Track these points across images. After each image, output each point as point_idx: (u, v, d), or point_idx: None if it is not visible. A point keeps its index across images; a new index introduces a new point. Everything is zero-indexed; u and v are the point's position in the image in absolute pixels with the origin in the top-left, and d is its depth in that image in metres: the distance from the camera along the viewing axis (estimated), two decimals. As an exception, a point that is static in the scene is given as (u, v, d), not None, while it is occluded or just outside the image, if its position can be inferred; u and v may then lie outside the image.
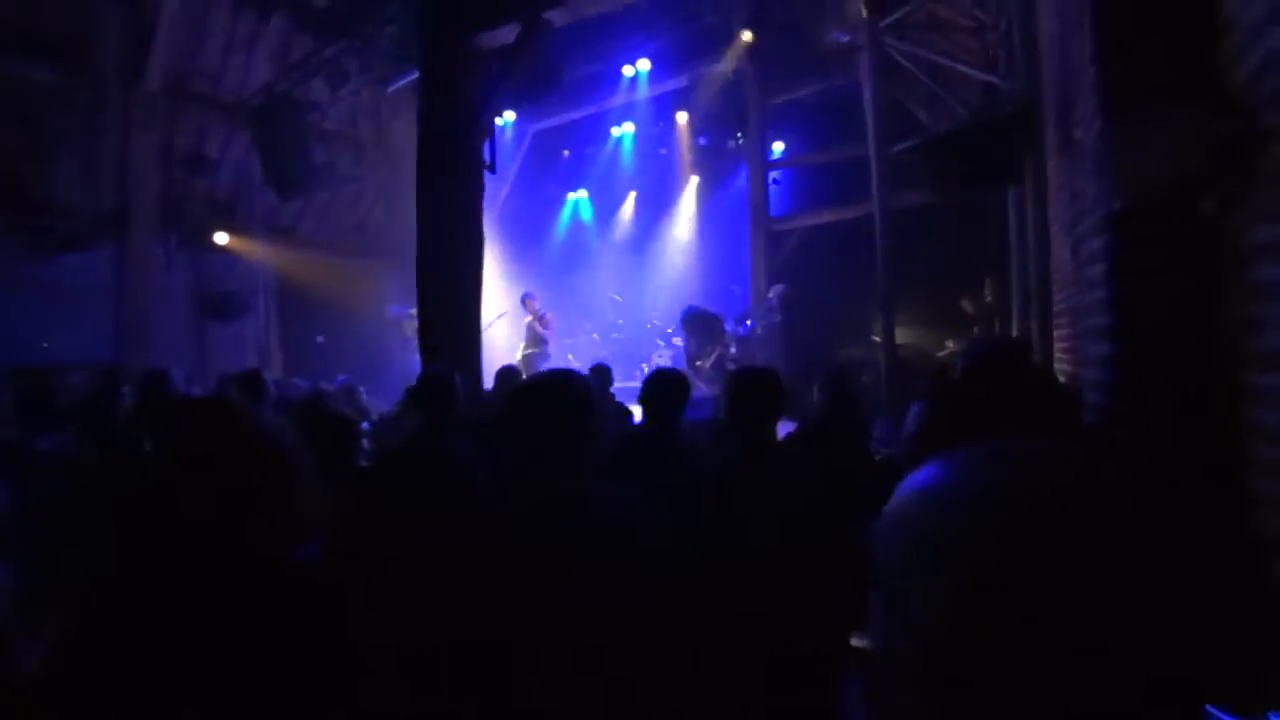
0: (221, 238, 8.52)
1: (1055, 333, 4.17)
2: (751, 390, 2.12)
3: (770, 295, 7.12)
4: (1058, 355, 3.96)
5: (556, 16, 4.36)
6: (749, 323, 7.41)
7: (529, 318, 8.42)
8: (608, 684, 1.22)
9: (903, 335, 6.12)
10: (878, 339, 6.02)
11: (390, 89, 8.40)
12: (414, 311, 7.19)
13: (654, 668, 1.27)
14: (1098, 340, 2.56)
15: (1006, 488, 0.43)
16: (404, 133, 9.46)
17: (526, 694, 1.21)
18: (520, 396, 1.43)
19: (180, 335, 8.09)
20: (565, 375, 1.46)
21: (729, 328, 7.19)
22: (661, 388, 2.44)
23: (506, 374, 4.31)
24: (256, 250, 8.77)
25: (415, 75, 7.48)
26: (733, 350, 7.21)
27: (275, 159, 6.91)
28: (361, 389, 5.57)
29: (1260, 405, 1.59)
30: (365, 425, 4.00)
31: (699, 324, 7.12)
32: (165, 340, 7.61)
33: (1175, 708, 0.41)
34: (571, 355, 8.99)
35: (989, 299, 6.75)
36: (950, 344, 6.85)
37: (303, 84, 7.66)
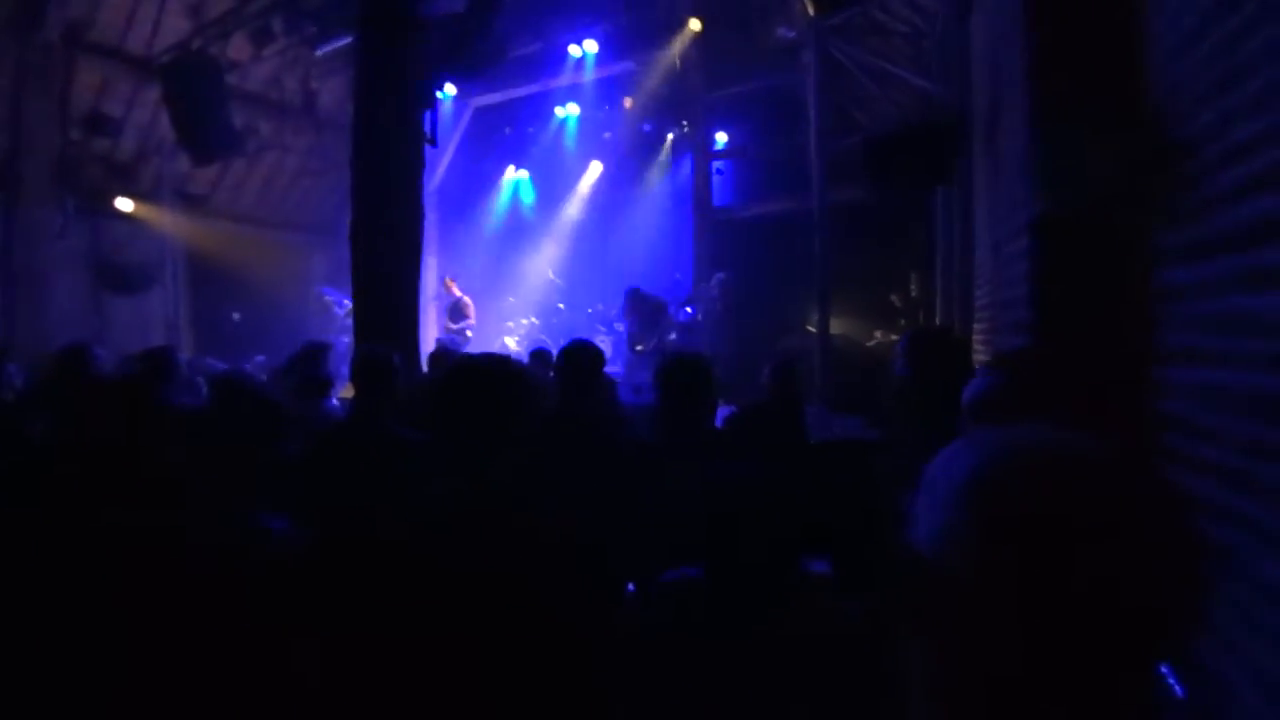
0: (124, 204, 7.82)
1: (975, 325, 4.44)
2: (681, 374, 2.14)
3: (712, 283, 7.23)
4: (976, 347, 4.22)
5: (506, -11, 4.24)
6: (689, 309, 7.50)
7: (455, 299, 8.23)
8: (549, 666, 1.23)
9: (835, 325, 6.36)
10: (812, 329, 6.23)
11: (319, 51, 7.92)
12: (347, 303, 6.82)
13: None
14: (1016, 334, 2.75)
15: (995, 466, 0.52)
16: (333, 99, 8.93)
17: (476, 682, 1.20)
18: (454, 380, 1.38)
19: (77, 309, 7.39)
20: (500, 360, 1.43)
21: (671, 313, 7.28)
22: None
23: (441, 356, 4.20)
24: (164, 219, 8.09)
25: (346, 39, 7.08)
26: (673, 336, 7.29)
27: (190, 121, 6.38)
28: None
29: (1164, 397, 1.76)
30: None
31: (643, 306, 7.14)
32: (60, 314, 6.94)
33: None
34: (510, 339, 8.83)
35: (915, 293, 7.11)
36: (879, 334, 7.17)
37: (222, 40, 7.10)
